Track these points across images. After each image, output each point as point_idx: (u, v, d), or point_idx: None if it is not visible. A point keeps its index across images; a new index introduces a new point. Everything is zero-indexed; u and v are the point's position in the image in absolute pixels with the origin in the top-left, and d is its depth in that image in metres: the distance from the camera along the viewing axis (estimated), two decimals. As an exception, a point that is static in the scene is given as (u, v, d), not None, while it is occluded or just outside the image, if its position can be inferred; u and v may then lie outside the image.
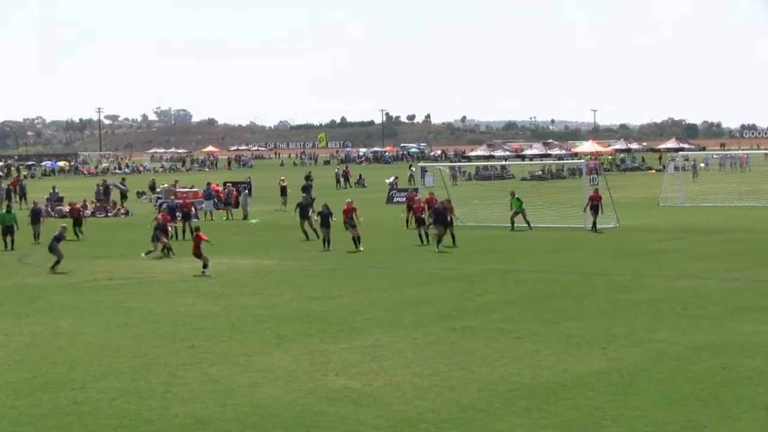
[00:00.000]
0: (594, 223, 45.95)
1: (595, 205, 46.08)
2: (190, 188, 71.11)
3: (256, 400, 17.31)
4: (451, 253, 38.95)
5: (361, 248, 39.86)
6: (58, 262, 36.24)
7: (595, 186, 53.97)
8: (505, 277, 32.43)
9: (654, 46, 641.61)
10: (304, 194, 61.97)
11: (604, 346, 21.06)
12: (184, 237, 46.42)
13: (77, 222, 49.90)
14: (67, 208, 64.94)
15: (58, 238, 37.00)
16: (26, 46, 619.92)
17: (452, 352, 20.92)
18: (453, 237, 41.26)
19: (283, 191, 67.81)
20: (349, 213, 41.45)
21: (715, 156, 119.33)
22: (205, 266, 34.32)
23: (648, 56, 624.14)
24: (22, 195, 75.06)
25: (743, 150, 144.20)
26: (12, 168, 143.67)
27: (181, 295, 29.93)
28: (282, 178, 72.97)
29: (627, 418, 15.72)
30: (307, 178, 78.08)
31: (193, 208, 53.26)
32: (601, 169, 78.41)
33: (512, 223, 48.14)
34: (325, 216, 41.38)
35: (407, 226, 48.04)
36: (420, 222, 42.94)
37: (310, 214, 45.71)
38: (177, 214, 48.02)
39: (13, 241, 44.43)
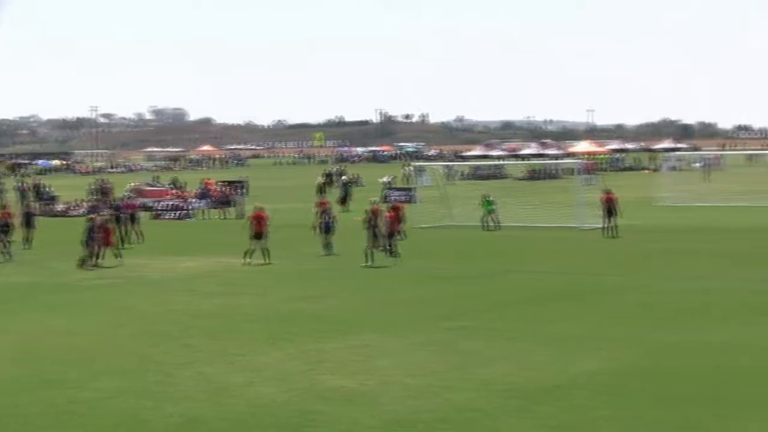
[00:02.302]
0: (605, 227, 43.67)
1: (608, 207, 44.07)
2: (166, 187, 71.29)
3: (251, 399, 17.28)
4: (446, 253, 38.90)
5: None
6: (96, 256, 36.41)
7: (601, 187, 53.16)
8: (499, 278, 32.44)
9: (650, 46, 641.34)
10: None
11: (599, 347, 21.04)
12: (130, 241, 44.07)
13: (4, 229, 41.52)
14: (60, 207, 65.02)
15: (92, 230, 36.96)
16: (20, 43, 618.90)
17: (447, 352, 20.89)
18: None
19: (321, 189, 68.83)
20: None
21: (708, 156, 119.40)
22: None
23: (644, 56, 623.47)
24: (39, 195, 73.92)
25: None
26: (19, 167, 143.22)
27: (175, 293, 29.91)
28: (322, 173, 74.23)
29: (622, 419, 15.70)
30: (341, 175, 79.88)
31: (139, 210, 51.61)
32: (597, 169, 78.28)
33: (484, 222, 48.57)
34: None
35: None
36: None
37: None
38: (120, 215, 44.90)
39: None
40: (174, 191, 72.27)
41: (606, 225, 43.95)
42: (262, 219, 37.10)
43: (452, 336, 22.58)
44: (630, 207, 44.43)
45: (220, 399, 17.34)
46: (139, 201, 61.10)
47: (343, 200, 64.13)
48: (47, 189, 72.72)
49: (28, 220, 45.28)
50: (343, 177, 77.53)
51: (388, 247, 36.71)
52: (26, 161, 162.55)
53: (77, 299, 29.42)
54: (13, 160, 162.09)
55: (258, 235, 36.61)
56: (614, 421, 15.60)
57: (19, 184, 78.82)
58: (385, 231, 37.43)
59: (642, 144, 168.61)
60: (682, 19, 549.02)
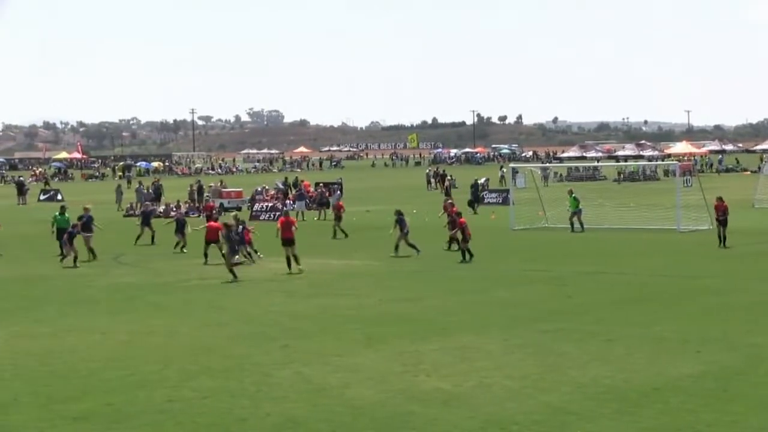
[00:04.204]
0: (722, 237, 39.99)
1: (722, 216, 40.32)
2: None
3: (348, 400, 17.39)
4: (542, 255, 38.73)
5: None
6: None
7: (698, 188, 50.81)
8: (595, 280, 32.19)
9: (750, 45, 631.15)
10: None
11: (698, 350, 20.77)
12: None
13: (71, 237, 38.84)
14: (161, 208, 66.05)
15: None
16: (122, 48, 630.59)
17: (543, 354, 20.80)
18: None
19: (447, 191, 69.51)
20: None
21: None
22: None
23: (743, 55, 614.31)
24: (158, 197, 74.81)
25: None
26: (135, 168, 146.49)
27: (272, 295, 30.20)
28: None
29: (722, 423, 15.47)
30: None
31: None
32: (695, 171, 77.06)
33: (572, 224, 47.77)
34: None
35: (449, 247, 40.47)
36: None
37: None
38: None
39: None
40: (272, 193, 72.90)
41: (720, 235, 40.33)
42: (289, 224, 35.96)
43: (548, 338, 22.47)
44: (730, 209, 43.69)
45: (317, 399, 17.48)
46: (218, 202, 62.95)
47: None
48: (149, 191, 73.78)
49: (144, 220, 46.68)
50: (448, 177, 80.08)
51: (468, 252, 37.07)
52: (132, 163, 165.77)
53: (178, 300, 29.85)
54: (125, 162, 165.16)
55: (286, 242, 35.24)
56: (714, 426, 15.37)
57: (139, 185, 79.74)
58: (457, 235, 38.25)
59: (740, 145, 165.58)
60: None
